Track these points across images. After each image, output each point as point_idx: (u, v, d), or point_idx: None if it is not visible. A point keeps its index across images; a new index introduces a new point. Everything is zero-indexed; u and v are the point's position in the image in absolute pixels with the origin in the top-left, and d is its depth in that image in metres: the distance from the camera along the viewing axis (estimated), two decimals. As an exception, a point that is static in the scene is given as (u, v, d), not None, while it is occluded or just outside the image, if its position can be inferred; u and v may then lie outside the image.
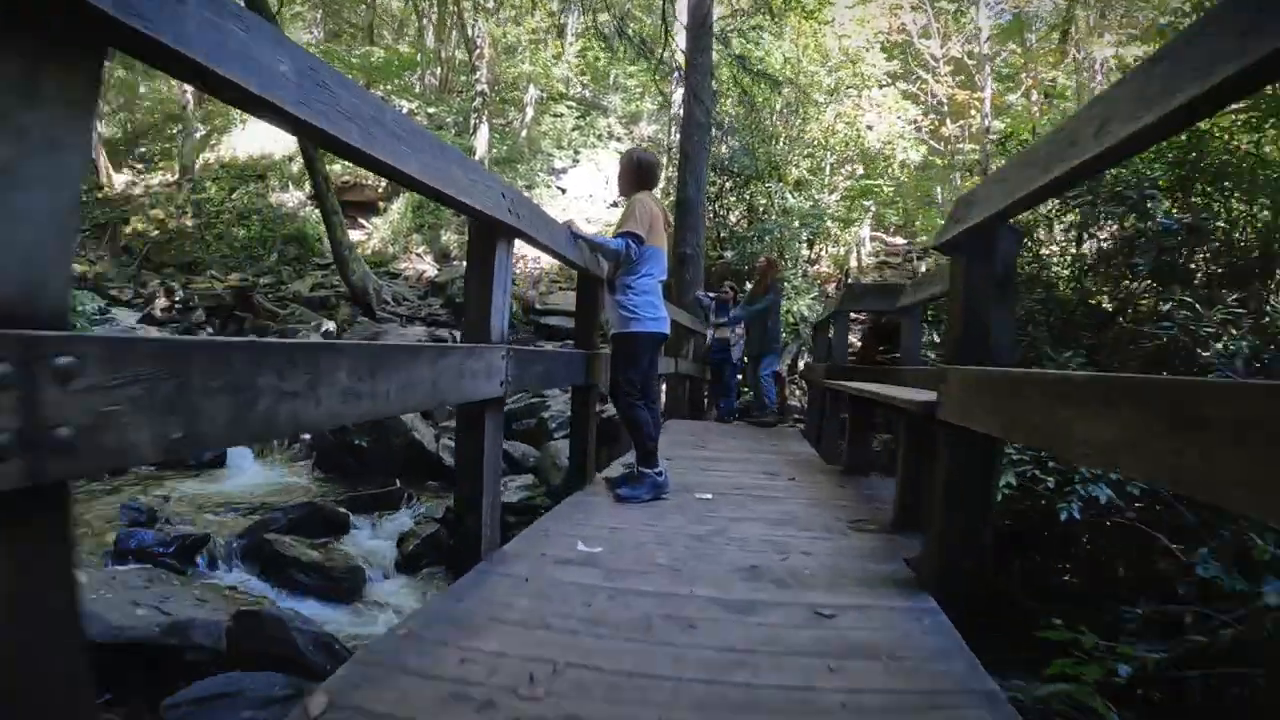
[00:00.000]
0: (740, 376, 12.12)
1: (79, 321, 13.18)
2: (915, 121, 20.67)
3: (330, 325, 17.30)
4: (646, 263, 5.68)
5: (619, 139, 28.01)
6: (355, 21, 34.28)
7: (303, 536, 7.89)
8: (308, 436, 12.70)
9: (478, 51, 20.72)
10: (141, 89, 31.80)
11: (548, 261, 22.15)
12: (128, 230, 26.42)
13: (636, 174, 5.67)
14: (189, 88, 28.30)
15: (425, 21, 30.43)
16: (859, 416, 6.83)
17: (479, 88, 20.49)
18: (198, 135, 29.56)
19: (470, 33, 21.32)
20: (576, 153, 26.99)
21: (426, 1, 28.37)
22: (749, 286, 12.39)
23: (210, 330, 19.53)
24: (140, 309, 20.34)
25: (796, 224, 17.50)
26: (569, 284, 20.80)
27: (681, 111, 24.42)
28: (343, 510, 9.06)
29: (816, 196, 18.45)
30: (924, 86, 22.34)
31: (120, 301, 21.01)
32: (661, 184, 23.26)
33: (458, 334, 18.38)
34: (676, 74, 18.55)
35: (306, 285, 22.21)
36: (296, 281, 22.82)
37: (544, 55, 23.70)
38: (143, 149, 30.95)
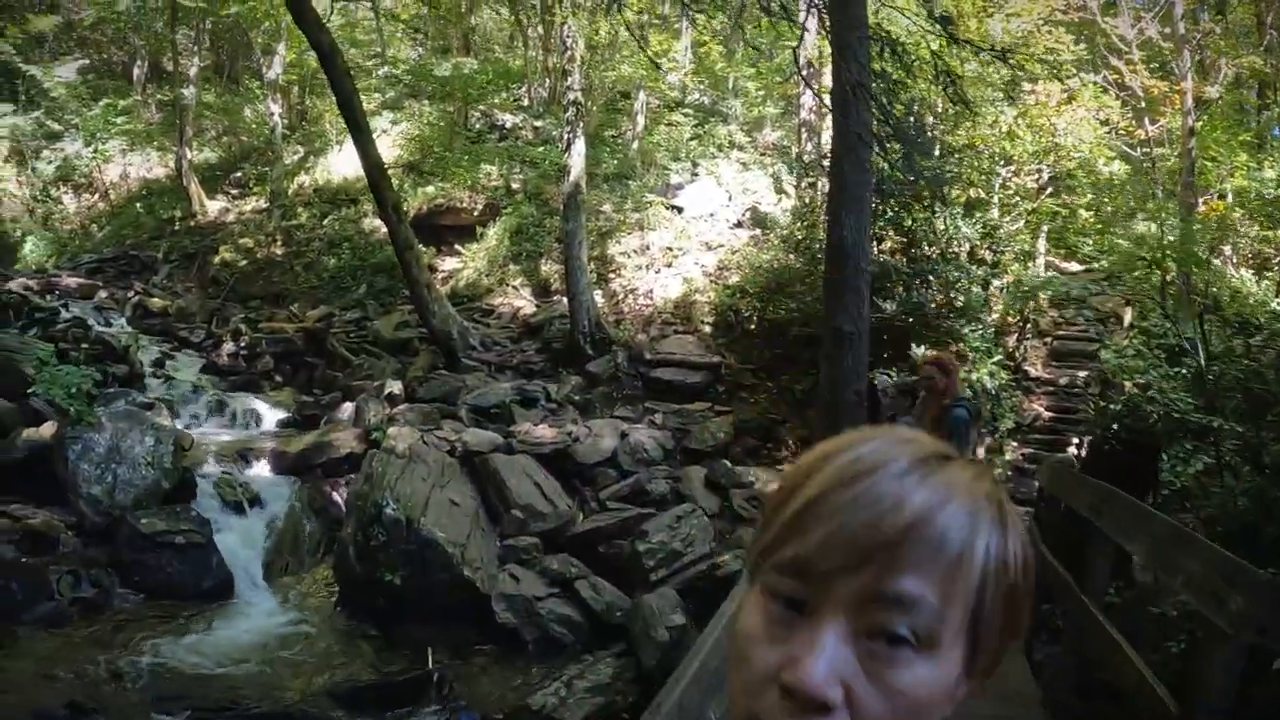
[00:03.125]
0: None
1: (68, 404, 10.73)
2: (1110, 122, 16.76)
3: (396, 387, 14.56)
4: None
5: (741, 148, 24.75)
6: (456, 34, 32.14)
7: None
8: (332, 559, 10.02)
9: (568, 54, 17.81)
10: (246, 112, 30.18)
11: (660, 295, 19.10)
12: (216, 260, 24.81)
13: None
14: (277, 111, 26.53)
15: (530, 30, 28.04)
16: None
17: (572, 95, 17.58)
18: (290, 160, 27.66)
19: (561, 33, 18.52)
20: (695, 165, 23.87)
21: (530, 10, 26.02)
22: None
23: (278, 379, 17.26)
24: (208, 352, 18.34)
25: (964, 255, 13.91)
26: (686, 325, 17.66)
27: (811, 114, 21.41)
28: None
29: (995, 222, 14.74)
30: (1115, 76, 18.37)
31: (189, 344, 19.01)
32: (778, 216, 19.89)
33: (552, 387, 15.46)
34: (805, 70, 15.14)
35: (391, 324, 19.80)
36: (381, 318, 20.44)
37: (647, 52, 20.77)
38: (239, 174, 29.30)
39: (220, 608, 9.39)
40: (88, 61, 31.24)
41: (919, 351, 11.47)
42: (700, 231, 20.86)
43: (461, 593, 8.79)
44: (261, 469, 12.32)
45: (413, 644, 8.44)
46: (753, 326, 16.29)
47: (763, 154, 24.42)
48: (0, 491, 10.32)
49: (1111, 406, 8.46)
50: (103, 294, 21.08)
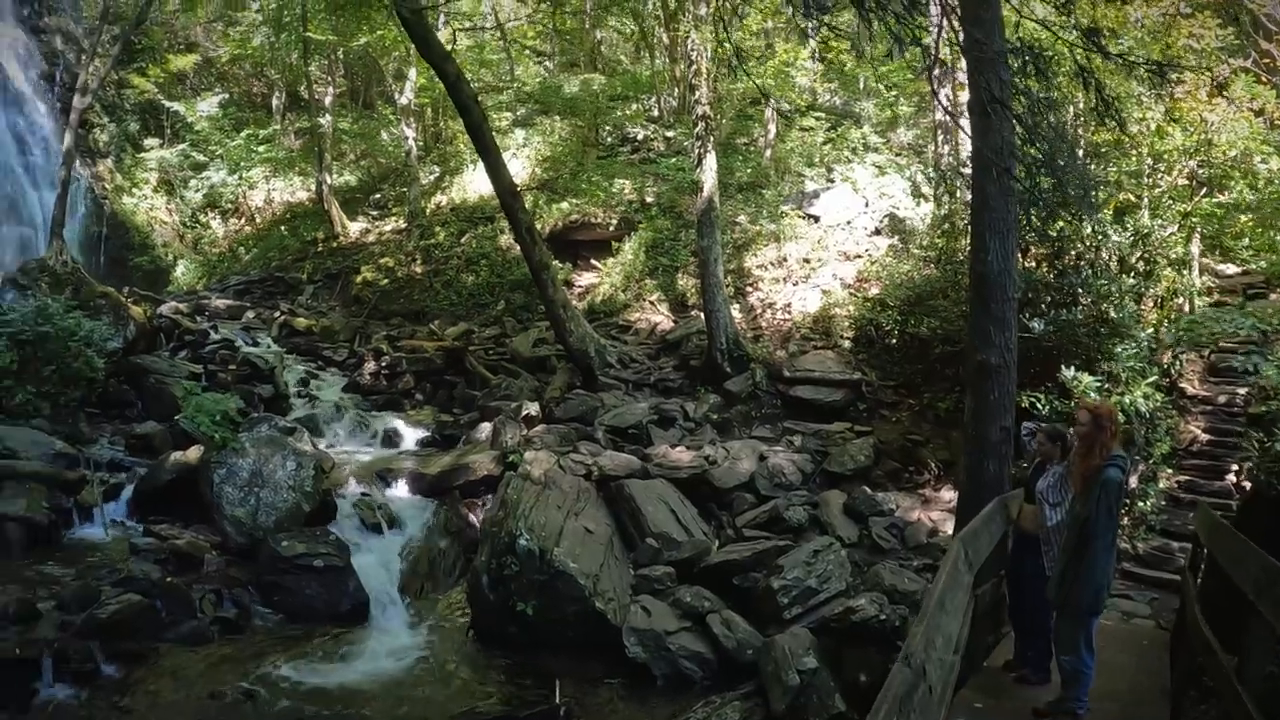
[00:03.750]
0: None
1: (212, 430, 11.06)
2: (1264, 112, 15.42)
3: (533, 408, 14.54)
4: None
5: (876, 150, 23.94)
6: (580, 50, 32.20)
7: None
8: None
9: (694, 68, 17.55)
10: (383, 136, 30.97)
11: (799, 309, 18.62)
12: (358, 280, 25.48)
13: None
14: (411, 134, 27.23)
15: (655, 40, 27.87)
16: None
17: (700, 110, 17.28)
18: (426, 180, 28.47)
19: (685, 47, 18.28)
20: (829, 171, 23.24)
21: (654, 19, 25.82)
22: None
23: (418, 398, 17.53)
24: (350, 371, 18.80)
25: (1113, 264, 12.96)
26: (826, 341, 17.18)
27: (947, 116, 20.44)
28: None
29: (1146, 227, 13.66)
30: (1266, 60, 16.98)
31: (333, 363, 19.55)
32: (913, 236, 18.98)
33: (690, 406, 15.23)
34: (939, 70, 14.47)
35: (528, 340, 19.86)
36: (519, 335, 20.54)
37: (773, 63, 20.43)
38: (378, 195, 30.13)
39: (355, 630, 9.49)
40: (228, 95, 32.69)
41: (1069, 374, 10.71)
42: (837, 241, 20.24)
43: (592, 624, 8.66)
44: (400, 490, 12.51)
45: (542, 674, 8.37)
46: (894, 341, 15.69)
47: (898, 154, 23.61)
48: (149, 512, 10.84)
49: (1277, 445, 7.65)
50: (250, 314, 21.82)
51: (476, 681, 8.37)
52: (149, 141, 30.04)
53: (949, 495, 12.13)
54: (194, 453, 11.30)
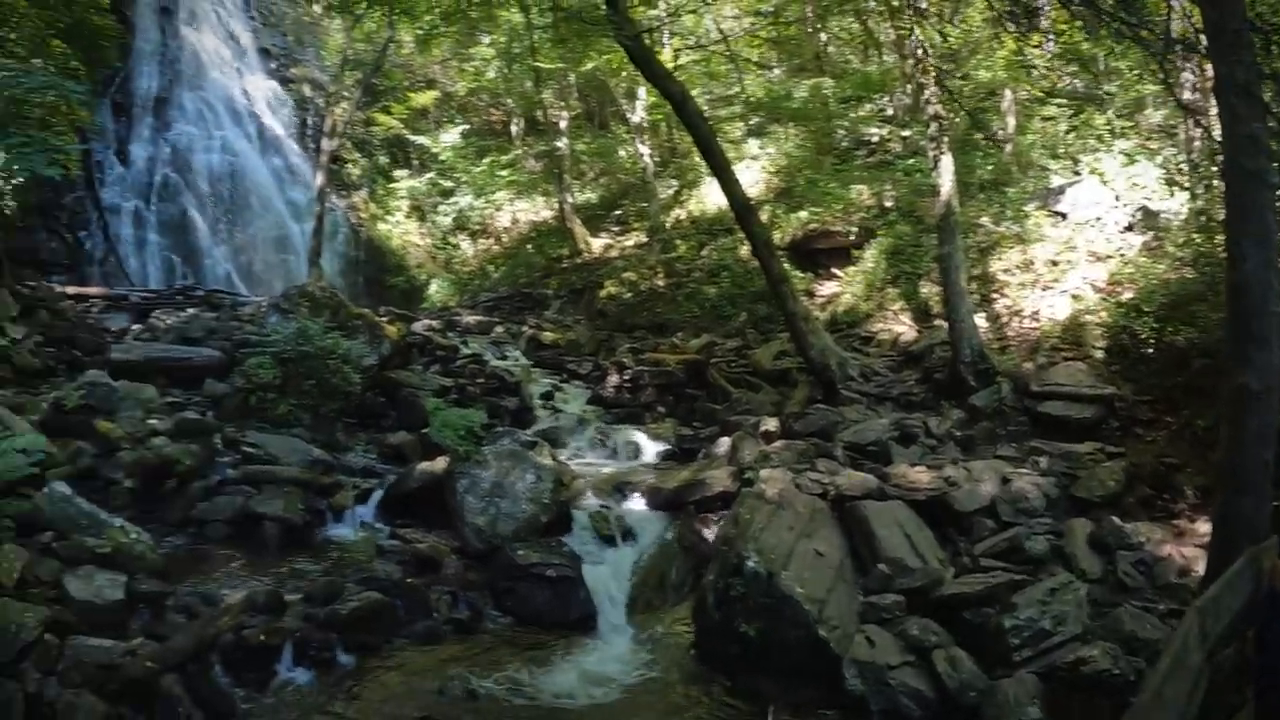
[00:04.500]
0: None
1: (457, 444, 11.91)
2: None
3: (772, 424, 14.47)
4: None
5: (1124, 135, 21.93)
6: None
7: None
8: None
9: (920, 66, 16.95)
10: (621, 153, 31.90)
11: (1047, 316, 17.51)
12: (602, 294, 26.44)
13: None
14: (646, 150, 27.94)
15: (882, 36, 27.07)
16: None
17: (931, 110, 16.71)
18: (664, 194, 29.20)
19: (911, 44, 17.51)
20: (1075, 162, 21.68)
21: (879, 17, 25.06)
22: None
23: (660, 410, 17.79)
24: (593, 383, 19.32)
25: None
26: (1076, 351, 16.10)
27: (1196, 94, 18.53)
28: None
29: None
30: None
31: (577, 375, 20.14)
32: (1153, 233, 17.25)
33: (933, 422, 14.68)
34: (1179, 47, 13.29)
35: (770, 353, 19.75)
36: (761, 347, 20.48)
37: (1003, 52, 19.29)
38: (619, 211, 31.15)
39: (580, 640, 9.78)
40: (468, 125, 34.79)
41: None
42: (1087, 240, 18.82)
43: (813, 651, 8.53)
44: (637, 503, 12.77)
45: (756, 698, 8.34)
46: (1150, 351, 14.43)
47: (1148, 138, 21.65)
48: (396, 516, 11.72)
49: None
50: (499, 329, 22.80)
51: (691, 700, 8.43)
52: (398, 172, 32.70)
53: (1205, 528, 10.91)
54: (440, 462, 12.03)
